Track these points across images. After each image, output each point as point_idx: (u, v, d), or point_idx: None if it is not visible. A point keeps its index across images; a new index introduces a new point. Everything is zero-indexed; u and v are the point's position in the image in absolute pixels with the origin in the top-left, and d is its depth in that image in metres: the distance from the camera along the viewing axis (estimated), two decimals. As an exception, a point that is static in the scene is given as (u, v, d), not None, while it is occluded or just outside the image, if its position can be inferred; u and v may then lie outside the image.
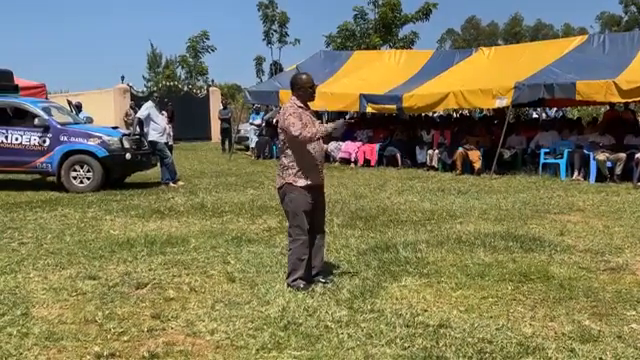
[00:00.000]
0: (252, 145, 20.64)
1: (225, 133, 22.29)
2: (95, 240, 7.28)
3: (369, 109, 16.24)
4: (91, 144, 11.66)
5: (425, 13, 28.99)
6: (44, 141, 11.64)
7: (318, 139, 5.25)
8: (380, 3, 29.09)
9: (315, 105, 6.02)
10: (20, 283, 5.52)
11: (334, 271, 5.77)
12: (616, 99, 12.90)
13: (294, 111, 5.19)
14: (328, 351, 3.97)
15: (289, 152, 5.24)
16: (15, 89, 13.09)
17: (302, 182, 5.23)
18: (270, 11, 30.85)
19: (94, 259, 6.36)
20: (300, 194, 5.21)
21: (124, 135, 12.32)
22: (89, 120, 15.52)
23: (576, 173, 12.89)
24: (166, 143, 12.89)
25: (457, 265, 5.98)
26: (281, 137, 5.30)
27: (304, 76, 5.38)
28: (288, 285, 5.23)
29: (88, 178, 11.57)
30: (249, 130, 21.72)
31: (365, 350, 3.98)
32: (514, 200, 9.97)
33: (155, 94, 15.07)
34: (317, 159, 5.32)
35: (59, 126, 11.81)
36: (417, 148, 15.88)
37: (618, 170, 12.25)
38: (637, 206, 9.38)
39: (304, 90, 5.31)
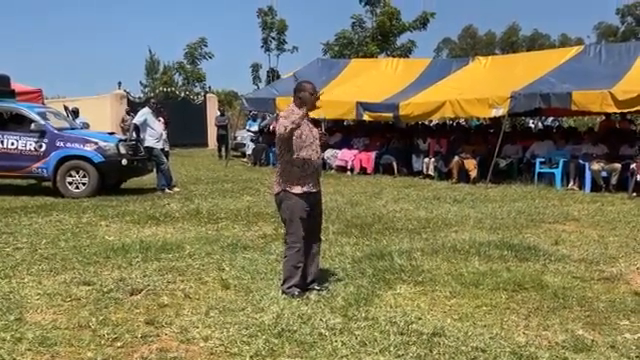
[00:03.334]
0: (248, 152, 20.65)
1: (222, 140, 22.29)
2: (90, 246, 7.26)
3: (366, 117, 16.25)
4: (87, 149, 11.65)
5: (423, 22, 29.09)
6: (40, 146, 11.63)
7: (292, 130, 5.06)
8: (378, 12, 29.19)
9: (312, 113, 6.04)
10: (14, 288, 5.50)
11: (329, 278, 5.77)
12: (612, 109, 12.94)
13: (286, 115, 5.19)
14: (322, 358, 3.98)
15: (285, 159, 5.26)
16: (12, 94, 13.09)
17: (298, 189, 5.24)
18: (269, 18, 30.88)
19: (89, 265, 6.36)
20: (296, 201, 5.23)
21: (120, 141, 12.32)
22: (86, 126, 15.52)
23: (571, 183, 12.94)
24: (162, 149, 12.90)
25: (452, 273, 5.99)
26: (278, 144, 5.31)
27: (307, 84, 5.36)
28: (283, 292, 5.23)
29: (84, 183, 11.56)
30: (246, 137, 21.76)
31: (359, 358, 3.99)
32: (509, 209, 9.99)
33: (152, 100, 15.03)
34: (313, 166, 5.31)
35: (55, 131, 11.80)
36: (413, 156, 15.90)
37: (613, 180, 12.30)
38: (632, 216, 9.41)
39: (306, 98, 5.25)
